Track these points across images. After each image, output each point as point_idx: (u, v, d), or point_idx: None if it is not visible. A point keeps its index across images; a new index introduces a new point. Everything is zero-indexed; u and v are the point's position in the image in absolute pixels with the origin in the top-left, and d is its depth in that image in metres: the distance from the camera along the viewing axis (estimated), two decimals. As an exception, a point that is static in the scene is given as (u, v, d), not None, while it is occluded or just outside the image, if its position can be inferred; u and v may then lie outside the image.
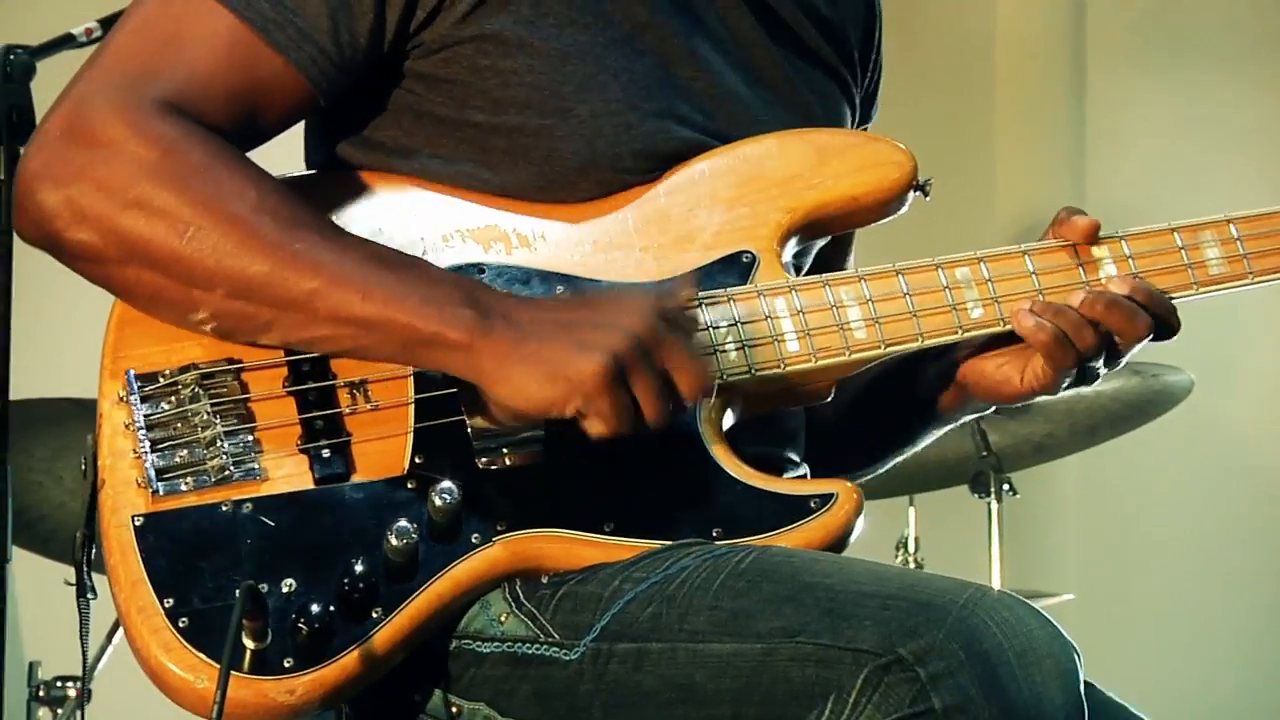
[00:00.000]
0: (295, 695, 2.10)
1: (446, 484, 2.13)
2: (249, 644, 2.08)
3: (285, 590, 2.12)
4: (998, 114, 6.34)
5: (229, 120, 2.20)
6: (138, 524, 2.13)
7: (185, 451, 2.16)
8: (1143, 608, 6.06)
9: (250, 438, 2.17)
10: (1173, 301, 2.33)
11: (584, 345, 2.08)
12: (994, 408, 2.44)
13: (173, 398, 2.17)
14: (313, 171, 2.35)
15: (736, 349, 2.25)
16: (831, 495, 2.22)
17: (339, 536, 2.15)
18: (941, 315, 2.30)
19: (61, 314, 3.88)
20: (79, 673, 3.93)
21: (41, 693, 4.14)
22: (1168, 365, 4.68)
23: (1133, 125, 6.23)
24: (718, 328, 2.24)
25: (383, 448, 2.18)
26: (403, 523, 2.13)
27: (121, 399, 2.18)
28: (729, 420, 2.25)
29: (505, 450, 2.18)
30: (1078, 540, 6.14)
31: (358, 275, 2.12)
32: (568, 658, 2.14)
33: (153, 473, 2.14)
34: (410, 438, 2.18)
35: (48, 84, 3.17)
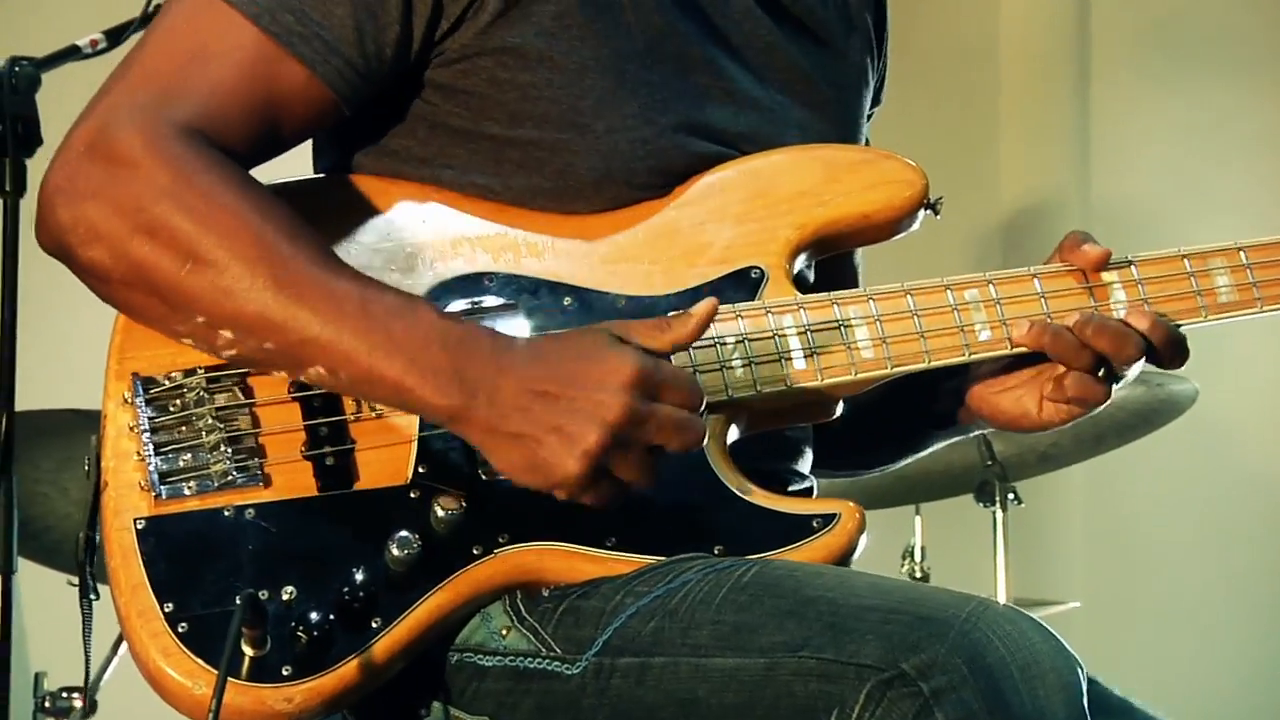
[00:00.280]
0: (293, 703, 2.10)
1: (449, 495, 2.14)
2: (248, 651, 2.08)
3: (285, 597, 2.12)
4: (1002, 119, 6.32)
5: (250, 136, 2.19)
6: (140, 527, 2.13)
7: (189, 455, 2.15)
8: (1149, 616, 6.04)
9: (254, 443, 2.17)
10: (1182, 330, 2.33)
11: (564, 438, 2.06)
12: None
13: (177, 401, 2.17)
14: (322, 175, 2.34)
15: (743, 365, 2.24)
16: (834, 515, 2.21)
17: (340, 544, 2.14)
18: (949, 336, 2.29)
19: (66, 326, 3.87)
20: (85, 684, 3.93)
21: (47, 703, 4.13)
22: (1172, 374, 4.67)
23: (1137, 131, 6.21)
24: (725, 343, 2.23)
25: (386, 456, 2.17)
26: (404, 532, 2.13)
27: (126, 401, 2.17)
28: (734, 436, 2.25)
29: (509, 462, 2.18)
30: (1083, 549, 6.13)
31: (346, 330, 2.09)
32: (570, 672, 2.14)
33: (156, 476, 2.14)
34: (414, 447, 2.17)
35: (53, 96, 3.18)
